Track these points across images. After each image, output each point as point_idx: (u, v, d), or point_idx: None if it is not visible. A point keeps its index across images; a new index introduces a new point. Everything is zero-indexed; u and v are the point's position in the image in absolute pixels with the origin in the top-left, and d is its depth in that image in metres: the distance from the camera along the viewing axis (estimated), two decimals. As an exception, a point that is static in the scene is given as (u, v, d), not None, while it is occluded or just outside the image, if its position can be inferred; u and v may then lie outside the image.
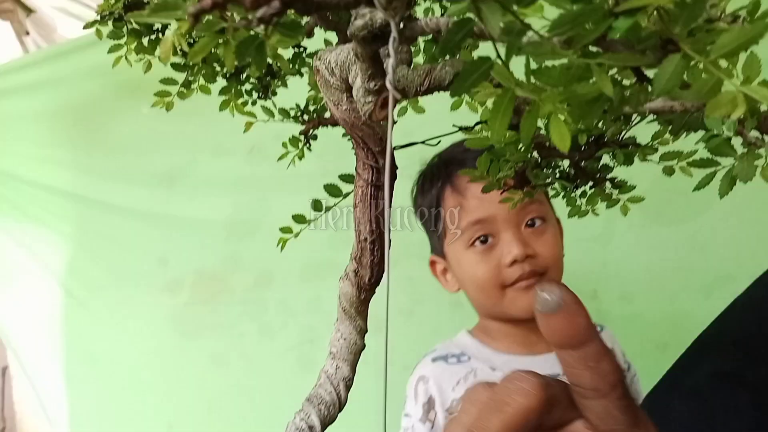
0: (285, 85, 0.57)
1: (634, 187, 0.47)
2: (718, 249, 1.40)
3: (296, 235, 0.59)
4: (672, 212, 1.45)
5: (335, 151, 0.63)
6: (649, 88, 0.24)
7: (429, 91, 0.33)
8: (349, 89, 0.38)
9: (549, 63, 0.23)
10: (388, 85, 0.23)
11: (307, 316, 1.62)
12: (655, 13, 0.20)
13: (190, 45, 0.42)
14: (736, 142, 0.33)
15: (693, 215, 1.42)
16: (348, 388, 0.48)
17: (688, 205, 1.43)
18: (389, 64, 0.23)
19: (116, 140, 1.75)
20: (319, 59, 0.39)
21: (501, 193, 0.49)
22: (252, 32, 0.22)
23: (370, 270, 0.46)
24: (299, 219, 0.57)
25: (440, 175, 0.94)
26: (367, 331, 0.50)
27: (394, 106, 0.32)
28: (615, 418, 0.28)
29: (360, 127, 0.39)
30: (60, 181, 1.81)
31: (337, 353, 0.48)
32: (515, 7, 0.19)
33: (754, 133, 0.31)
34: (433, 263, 1.01)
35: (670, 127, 0.36)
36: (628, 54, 0.21)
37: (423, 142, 0.46)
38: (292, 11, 0.21)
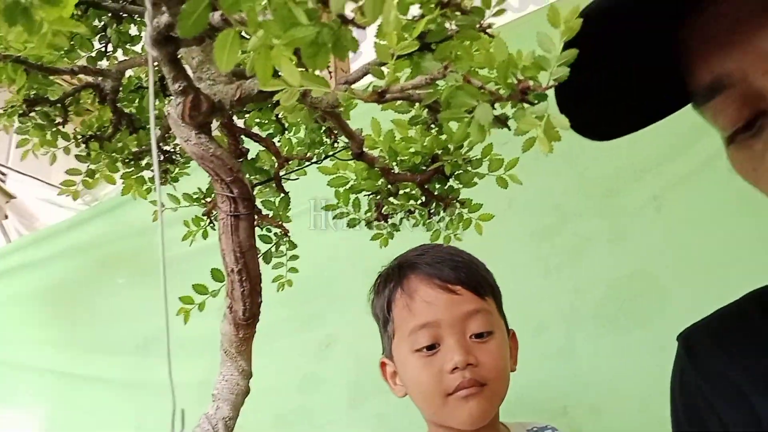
0: (186, 171, 0.64)
1: (481, 205, 0.51)
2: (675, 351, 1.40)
3: (200, 307, 0.61)
4: (625, 319, 1.48)
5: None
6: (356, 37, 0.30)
7: (241, 101, 0.39)
8: (196, 126, 0.44)
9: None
10: (147, 47, 0.29)
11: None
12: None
13: None
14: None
15: (645, 321, 1.44)
16: (228, 428, 0.47)
17: (639, 311, 1.45)
18: (147, 32, 0.29)
19: (95, 313, 1.81)
20: (171, 106, 0.45)
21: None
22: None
23: (242, 303, 0.48)
24: (200, 290, 0.60)
25: (393, 276, 0.97)
26: (251, 375, 0.50)
27: (211, 112, 0.37)
28: None
29: (209, 159, 0.44)
30: (40, 359, 1.84)
31: (218, 394, 0.49)
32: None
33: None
34: (383, 365, 1.01)
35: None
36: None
37: (282, 177, 0.51)
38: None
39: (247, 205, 0.46)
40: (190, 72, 0.39)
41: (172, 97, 0.63)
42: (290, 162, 0.61)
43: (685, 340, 0.51)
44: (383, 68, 0.37)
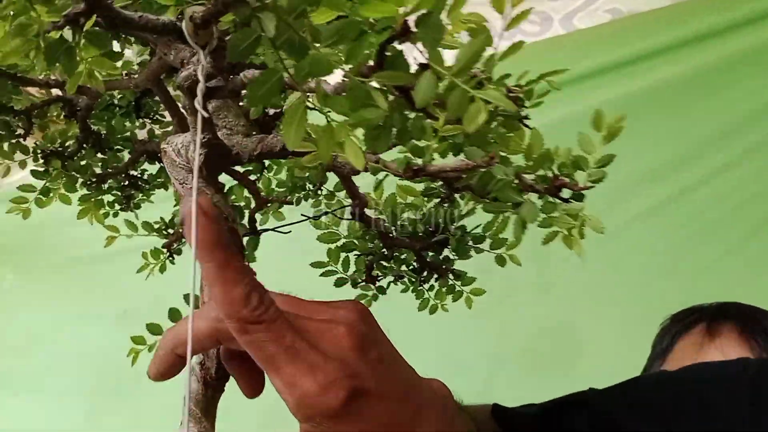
0: (149, 198, 0.59)
1: (474, 279, 0.50)
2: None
3: (150, 348, 0.56)
4: (549, 364, 1.52)
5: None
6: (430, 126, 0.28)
7: (261, 156, 0.36)
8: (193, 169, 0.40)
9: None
10: (196, 105, 0.26)
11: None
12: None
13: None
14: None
15: (566, 370, 1.49)
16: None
17: (563, 357, 1.51)
18: (198, 88, 0.26)
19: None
20: (167, 143, 0.41)
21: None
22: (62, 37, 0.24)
23: (216, 361, 0.44)
24: (154, 330, 0.55)
25: (707, 312, 0.91)
26: (215, 438, 0.46)
27: (226, 164, 0.34)
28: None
29: (204, 206, 0.41)
30: None
31: (177, 459, 0.44)
32: (291, 18, 0.23)
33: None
34: None
35: (482, 205, 0.40)
36: (392, 72, 0.25)
37: (273, 229, 0.48)
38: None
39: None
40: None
41: (149, 122, 0.58)
42: (269, 204, 0.58)
43: None
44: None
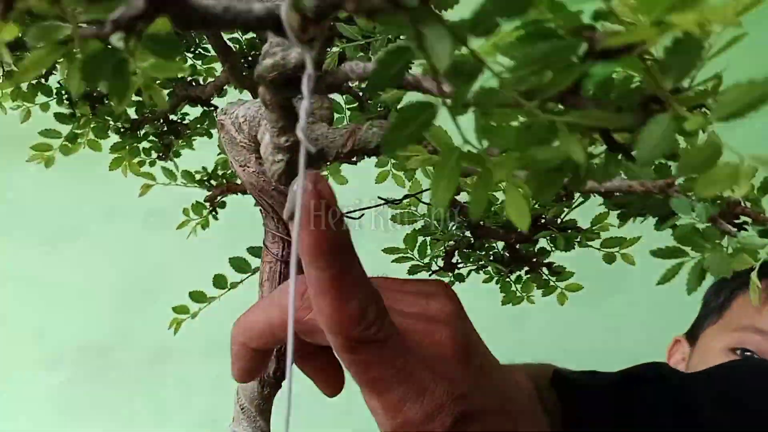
0: (191, 146, 0.51)
1: (573, 274, 0.43)
2: (630, 331, 1.43)
3: (194, 316, 0.51)
4: (586, 293, 1.48)
5: (246, 220, 0.55)
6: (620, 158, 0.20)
7: (352, 153, 0.28)
8: (258, 149, 0.32)
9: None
10: (299, 134, 0.18)
11: (210, 395, 1.50)
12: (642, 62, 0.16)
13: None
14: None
15: (606, 297, 1.44)
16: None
17: (601, 286, 1.45)
18: (302, 107, 0.18)
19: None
20: (225, 113, 0.33)
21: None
22: (109, 46, 0.16)
23: (276, 360, 0.39)
24: (198, 297, 0.50)
25: (765, 267, 0.84)
26: (270, 436, 0.42)
27: (309, 164, 0.27)
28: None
29: (270, 193, 0.33)
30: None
31: (231, 461, 0.40)
32: (469, 37, 0.14)
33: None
34: (676, 342, 0.93)
35: (619, 212, 0.32)
36: (605, 113, 0.16)
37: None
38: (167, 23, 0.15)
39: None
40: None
41: (191, 57, 0.49)
42: (328, 163, 0.50)
43: None
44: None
